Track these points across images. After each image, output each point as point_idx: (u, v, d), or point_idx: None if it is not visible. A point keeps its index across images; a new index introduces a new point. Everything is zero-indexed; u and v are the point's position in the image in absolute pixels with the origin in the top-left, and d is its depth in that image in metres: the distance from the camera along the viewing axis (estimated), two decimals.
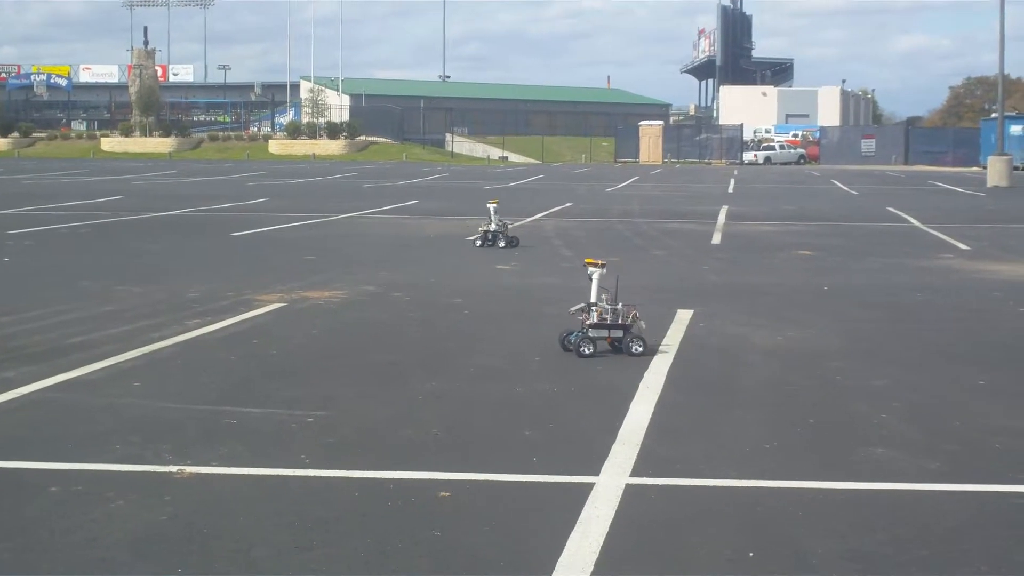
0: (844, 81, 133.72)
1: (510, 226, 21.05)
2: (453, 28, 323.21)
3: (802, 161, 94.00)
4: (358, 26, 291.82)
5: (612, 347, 10.29)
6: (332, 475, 6.68)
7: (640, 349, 10.20)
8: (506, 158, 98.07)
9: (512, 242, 20.37)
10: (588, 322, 10.24)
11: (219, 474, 6.68)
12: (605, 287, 10.48)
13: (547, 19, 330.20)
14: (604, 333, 10.24)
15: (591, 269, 10.51)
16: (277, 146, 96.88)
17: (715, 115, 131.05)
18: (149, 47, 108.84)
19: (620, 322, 10.27)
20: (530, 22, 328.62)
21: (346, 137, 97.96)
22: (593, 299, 10.33)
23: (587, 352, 10.10)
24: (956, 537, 5.75)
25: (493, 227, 20.42)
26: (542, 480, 6.62)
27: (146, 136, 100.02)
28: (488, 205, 20.93)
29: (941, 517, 6.08)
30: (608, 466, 6.85)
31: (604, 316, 10.25)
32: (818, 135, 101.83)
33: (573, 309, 10.52)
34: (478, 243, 20.37)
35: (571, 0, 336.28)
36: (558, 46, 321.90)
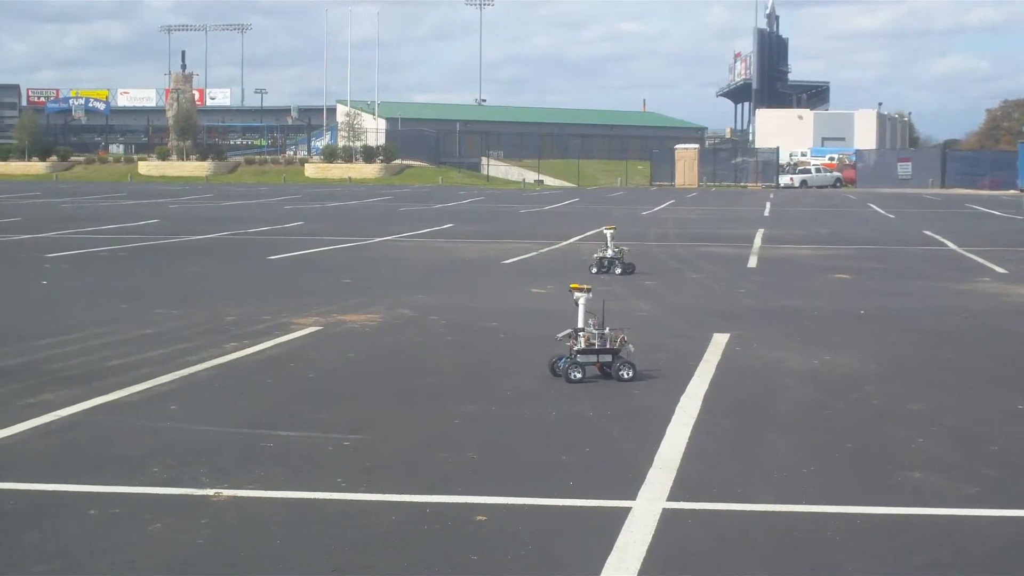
0: (880, 104, 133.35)
1: (626, 251, 20.38)
2: (490, 51, 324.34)
3: (838, 184, 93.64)
4: (396, 49, 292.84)
5: (602, 372, 10.23)
6: (369, 499, 6.68)
7: (629, 374, 10.11)
8: (541, 181, 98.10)
9: (628, 269, 19.67)
10: (576, 348, 10.17)
11: (256, 497, 6.70)
12: (593, 312, 10.42)
13: (585, 42, 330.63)
14: (593, 359, 10.17)
15: (577, 294, 10.42)
16: (313, 170, 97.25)
17: (751, 138, 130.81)
18: (187, 71, 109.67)
19: (608, 347, 10.19)
20: (567, 45, 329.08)
21: (382, 161, 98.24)
22: (580, 324, 10.26)
23: (576, 378, 10.02)
24: (995, 562, 5.72)
25: (610, 253, 19.78)
26: (579, 504, 6.61)
27: (183, 160, 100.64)
28: (604, 231, 20.42)
29: (980, 542, 6.04)
30: (645, 491, 6.83)
31: (592, 341, 10.17)
32: (854, 158, 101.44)
33: (560, 335, 10.43)
34: (593, 270, 19.59)
35: (609, 23, 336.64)
36: (595, 69, 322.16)
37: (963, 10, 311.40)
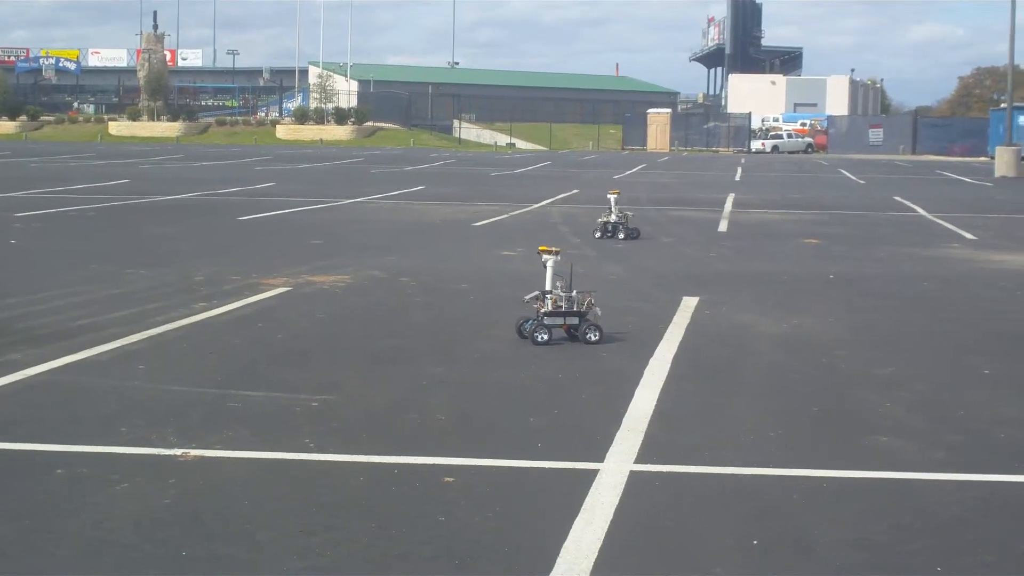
0: (853, 70, 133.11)
1: (631, 216, 20.24)
2: (467, 14, 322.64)
3: (810, 150, 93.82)
4: (372, 12, 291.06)
5: (569, 335, 10.23)
6: (336, 459, 6.68)
7: (596, 337, 10.10)
8: (513, 145, 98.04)
9: (632, 234, 19.55)
10: (543, 310, 10.16)
11: (223, 457, 6.69)
12: (560, 274, 10.39)
13: (561, 5, 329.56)
14: (560, 321, 10.17)
15: (545, 256, 10.39)
16: (285, 131, 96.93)
17: (723, 103, 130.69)
18: (158, 31, 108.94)
19: (575, 309, 10.20)
20: (544, 9, 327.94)
21: (354, 123, 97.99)
22: (548, 287, 10.25)
23: (542, 340, 10.03)
24: (960, 526, 5.75)
25: (613, 218, 19.63)
26: (546, 466, 6.62)
27: (154, 120, 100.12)
28: (608, 195, 20.31)
29: (946, 506, 6.07)
30: (613, 453, 6.85)
31: (559, 304, 10.18)
32: (826, 124, 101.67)
33: (527, 297, 10.42)
34: (597, 235, 19.50)
35: None
36: (570, 33, 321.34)
37: None
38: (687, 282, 14.35)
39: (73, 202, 25.94)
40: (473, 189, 34.65)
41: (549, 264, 10.33)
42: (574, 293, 10.25)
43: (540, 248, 10.60)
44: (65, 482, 6.18)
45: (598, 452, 6.84)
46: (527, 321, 10.24)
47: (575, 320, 10.18)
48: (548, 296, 10.21)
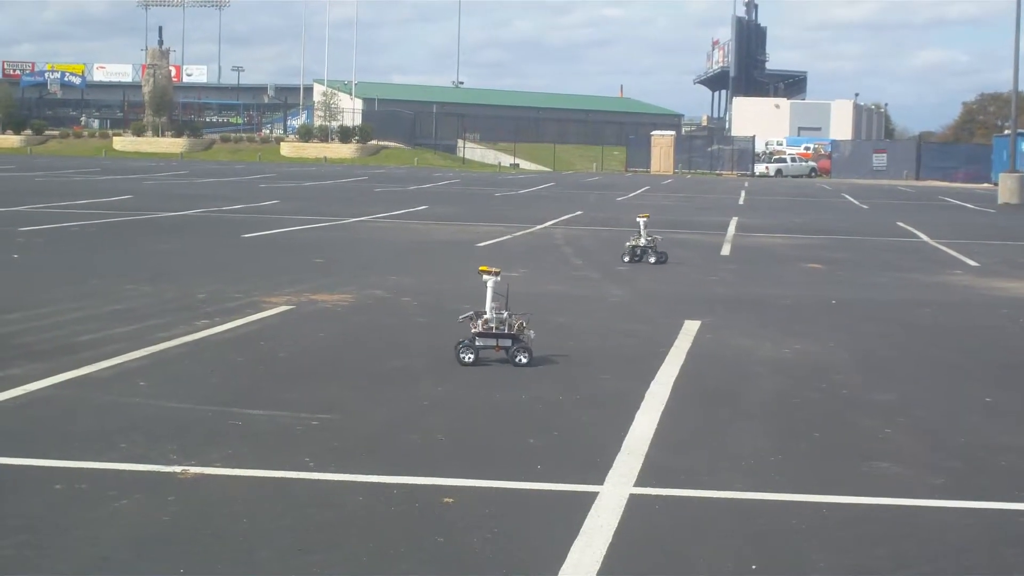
0: (857, 95, 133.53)
1: (659, 239, 19.93)
2: (472, 34, 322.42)
3: (813, 174, 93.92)
4: (377, 30, 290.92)
5: (507, 355, 10.19)
6: (336, 479, 6.68)
7: (525, 360, 10.04)
8: (517, 165, 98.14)
9: (662, 258, 19.18)
10: (474, 330, 10.15)
11: (223, 475, 6.68)
12: (501, 293, 10.39)
13: (566, 27, 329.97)
14: (492, 342, 10.13)
15: (485, 276, 10.35)
16: (289, 148, 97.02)
17: (727, 126, 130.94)
18: (164, 47, 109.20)
19: (507, 331, 10.16)
20: (549, 29, 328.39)
21: (358, 141, 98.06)
22: (488, 307, 10.21)
23: (467, 360, 10.01)
24: (959, 554, 5.75)
25: (643, 242, 19.26)
26: (546, 488, 6.62)
27: (158, 136, 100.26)
28: (637, 219, 19.96)
29: (945, 533, 6.07)
30: (612, 476, 6.84)
31: (490, 325, 10.15)
32: (830, 148, 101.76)
33: (462, 317, 10.40)
34: (626, 259, 19.13)
35: (592, 8, 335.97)
36: (575, 54, 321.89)
37: (945, 2, 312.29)
38: (689, 305, 14.34)
39: (76, 217, 25.96)
40: (476, 209, 34.68)
41: (489, 284, 10.30)
42: (505, 314, 10.21)
43: (480, 268, 10.55)
44: (64, 498, 6.18)
45: (598, 475, 6.83)
46: (461, 342, 10.23)
47: (507, 342, 10.13)
48: (481, 317, 10.18)
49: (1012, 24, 48.60)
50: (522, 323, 10.19)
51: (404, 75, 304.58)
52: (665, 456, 7.37)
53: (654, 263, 19.02)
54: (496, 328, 10.13)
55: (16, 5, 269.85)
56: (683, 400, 9.03)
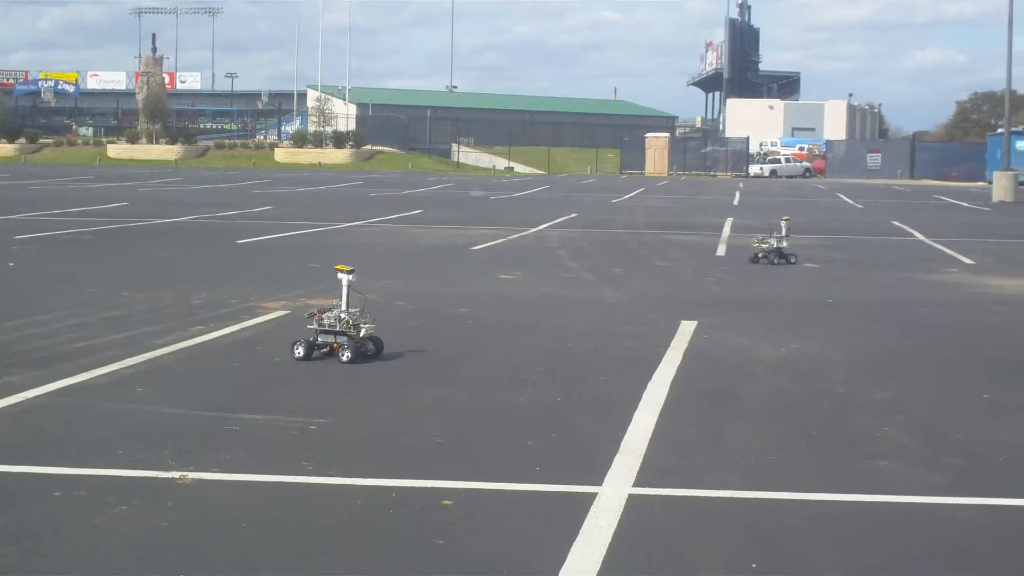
0: (851, 95, 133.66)
1: (787, 243, 20.37)
2: (469, 38, 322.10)
3: (808, 174, 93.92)
4: (372, 36, 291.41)
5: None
6: (334, 482, 6.67)
7: (346, 358, 10.17)
8: (511, 168, 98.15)
9: (791, 259, 19.88)
10: (310, 326, 10.37)
11: (221, 480, 6.68)
12: (360, 291, 10.61)
13: (565, 30, 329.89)
14: (331, 339, 10.33)
15: (340, 275, 10.56)
16: (283, 154, 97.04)
17: (721, 128, 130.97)
18: (157, 54, 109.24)
19: (340, 329, 10.32)
20: (547, 33, 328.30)
21: (352, 146, 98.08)
22: (344, 305, 10.42)
23: (299, 354, 10.22)
24: (959, 551, 5.75)
25: (786, 244, 19.99)
26: (545, 489, 6.61)
27: (152, 143, 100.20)
28: (780, 221, 20.67)
29: (945, 530, 6.07)
30: (611, 476, 6.84)
31: (325, 322, 10.35)
32: (824, 149, 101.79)
33: (307, 314, 10.62)
34: (760, 257, 19.93)
35: (589, 11, 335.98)
36: (571, 57, 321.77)
37: (940, 2, 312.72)
38: (685, 306, 14.34)
39: (71, 225, 25.93)
40: (471, 213, 34.67)
41: (344, 282, 10.49)
42: (343, 314, 10.38)
43: (337, 267, 10.71)
44: (63, 505, 6.17)
45: (597, 475, 6.83)
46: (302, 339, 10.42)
47: (343, 339, 10.30)
48: (318, 313, 10.42)
49: (1005, 23, 48.68)
50: (350, 322, 10.33)
51: (398, 80, 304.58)
52: (664, 456, 7.36)
53: (787, 263, 19.70)
54: (329, 327, 10.35)
55: (10, 14, 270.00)
56: (681, 400, 9.02)
